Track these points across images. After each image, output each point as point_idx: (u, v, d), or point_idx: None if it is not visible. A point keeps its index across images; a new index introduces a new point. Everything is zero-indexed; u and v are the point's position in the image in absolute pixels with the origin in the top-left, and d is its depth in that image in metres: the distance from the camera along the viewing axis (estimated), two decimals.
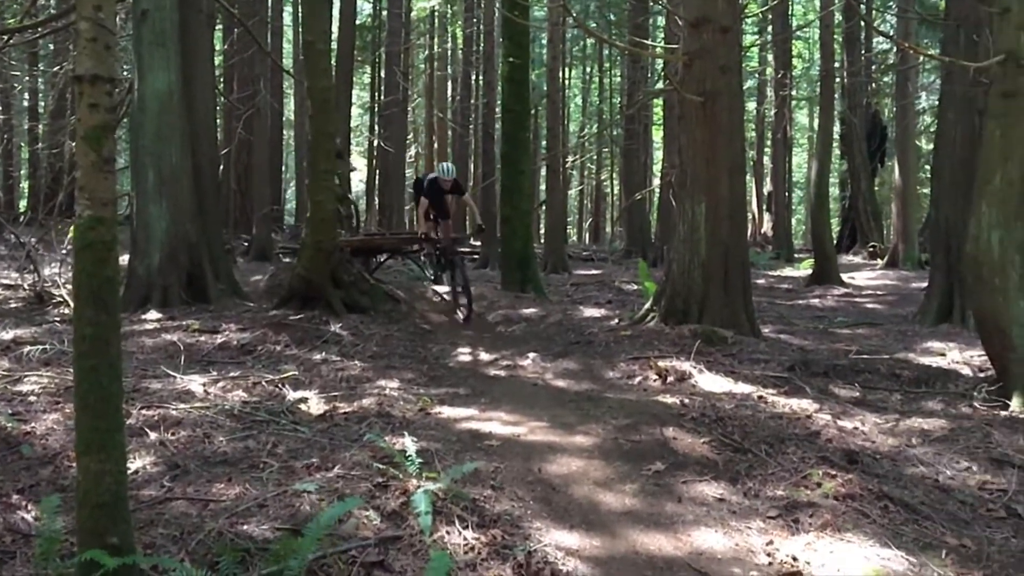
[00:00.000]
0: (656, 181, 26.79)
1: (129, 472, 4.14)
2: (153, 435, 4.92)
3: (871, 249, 22.86)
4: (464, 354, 8.59)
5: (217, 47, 20.25)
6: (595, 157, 36.79)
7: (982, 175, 6.73)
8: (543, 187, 24.98)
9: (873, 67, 25.46)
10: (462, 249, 13.98)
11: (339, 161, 14.74)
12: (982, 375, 7.16)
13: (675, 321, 8.67)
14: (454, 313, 10.45)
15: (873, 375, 7.29)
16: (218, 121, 17.28)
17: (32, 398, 5.70)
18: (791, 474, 4.78)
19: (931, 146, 17.35)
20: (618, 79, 32.45)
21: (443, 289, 11.17)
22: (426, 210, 10.52)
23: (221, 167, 18.65)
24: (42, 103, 24.61)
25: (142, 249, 9.95)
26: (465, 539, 3.76)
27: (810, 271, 17.36)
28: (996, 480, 4.88)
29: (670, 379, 7.00)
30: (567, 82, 31.91)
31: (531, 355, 8.31)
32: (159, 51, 9.98)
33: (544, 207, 23.34)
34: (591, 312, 10.77)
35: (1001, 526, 4.31)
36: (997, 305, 6.51)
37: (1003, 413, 6.09)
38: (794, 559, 3.79)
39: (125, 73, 13.36)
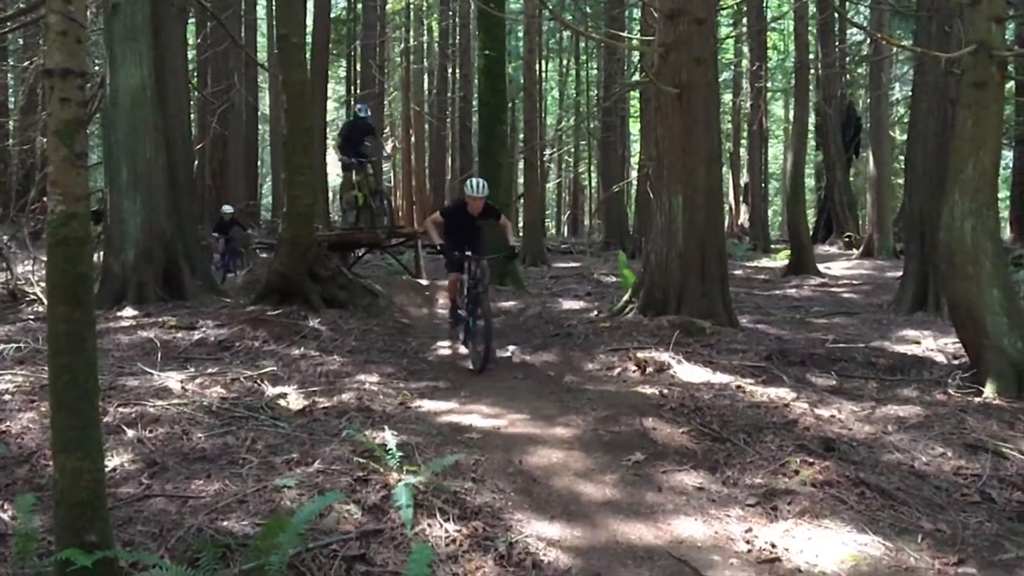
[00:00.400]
0: (634, 173, 26.85)
1: (107, 470, 4.11)
2: (131, 432, 4.88)
3: (847, 239, 23.05)
4: (443, 348, 8.58)
5: (190, 41, 20.03)
6: (573, 150, 36.81)
7: (955, 164, 6.80)
8: (521, 180, 24.97)
9: (847, 58, 25.64)
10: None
11: (374, 141, 13.47)
12: (956, 362, 7.25)
13: (654, 312, 8.72)
14: (468, 360, 7.84)
15: (849, 363, 7.36)
16: (192, 116, 17.11)
17: (7, 397, 5.63)
18: (769, 462, 4.82)
19: (905, 136, 17.52)
20: (595, 72, 32.48)
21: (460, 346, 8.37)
22: (438, 226, 8.20)
23: (196, 162, 18.49)
24: (12, 98, 24.25)
25: (116, 245, 9.85)
26: (447, 531, 3.76)
27: (787, 261, 17.48)
28: (970, 465, 4.95)
29: (649, 370, 7.04)
30: (544, 75, 31.90)
31: (511, 348, 8.31)
32: (131, 45, 9.87)
33: (522, 200, 23.33)
34: (570, 304, 10.80)
35: (976, 510, 4.37)
36: (970, 293, 6.59)
37: (977, 399, 6.17)
38: (773, 546, 3.82)
39: (96, 68, 13.19)
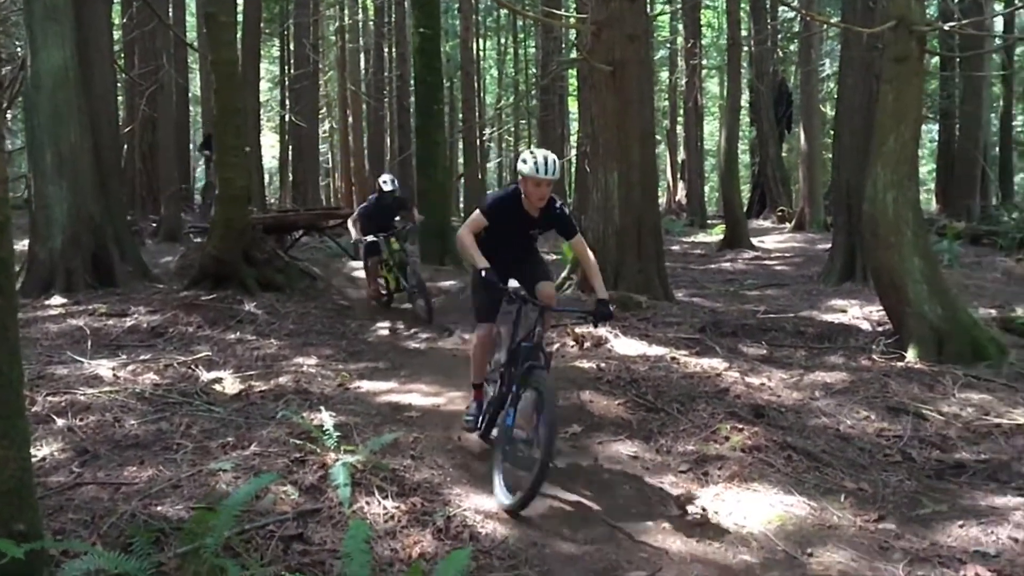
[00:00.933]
0: (573, 152, 26.97)
1: (36, 459, 4.04)
2: (60, 421, 4.78)
3: (780, 213, 23.51)
4: (383, 329, 8.57)
5: (116, 20, 19.41)
6: (513, 129, 36.78)
7: (878, 138, 7.02)
8: (463, 160, 24.86)
9: (779, 35, 26.05)
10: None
11: (407, 214, 9.87)
12: (880, 329, 7.51)
13: (592, 288, 8.80)
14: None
15: (779, 333, 7.58)
16: (120, 98, 16.63)
17: None
18: (701, 430, 4.96)
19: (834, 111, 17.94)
20: (532, 50, 32.43)
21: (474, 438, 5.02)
22: (479, 231, 4.66)
23: (125, 146, 17.99)
24: None
25: (42, 232, 9.54)
26: (385, 508, 3.80)
27: (722, 236, 17.79)
28: (892, 427, 5.16)
29: (587, 345, 7.14)
30: (482, 53, 31.75)
31: (450, 327, 8.34)
32: (52, 26, 9.52)
33: (463, 180, 23.25)
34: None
35: (896, 469, 4.57)
36: (893, 262, 6.83)
37: (899, 364, 6.42)
38: (703, 509, 3.95)
39: (18, 50, 12.73)
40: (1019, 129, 30.06)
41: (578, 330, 7.37)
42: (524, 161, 4.51)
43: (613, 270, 8.85)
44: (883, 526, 3.83)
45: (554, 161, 4.47)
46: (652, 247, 9.05)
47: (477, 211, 4.73)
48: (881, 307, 7.50)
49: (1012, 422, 5.09)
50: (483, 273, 4.38)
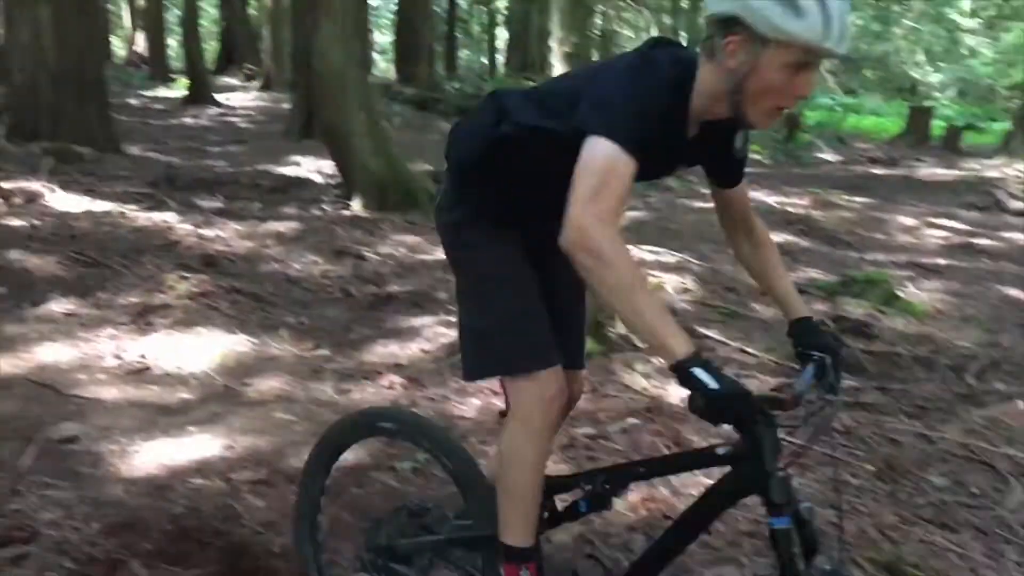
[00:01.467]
0: None
1: None
2: None
3: (247, 72, 23.06)
4: None
5: None
6: None
7: None
8: None
9: None
10: None
11: None
12: (332, 182, 7.99)
13: (23, 138, 7.79)
14: None
15: (237, 187, 7.62)
16: None
17: None
18: (146, 282, 4.81)
19: None
20: None
21: None
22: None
23: None
24: None
25: None
26: None
27: (186, 92, 16.91)
28: (336, 268, 5.61)
29: (17, 201, 6.36)
30: None
31: None
32: None
33: None
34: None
35: (336, 304, 5.00)
36: (339, 117, 7.22)
37: (346, 213, 6.95)
38: (143, 357, 3.88)
39: None
40: (465, 11, 33.52)
41: (6, 186, 6.50)
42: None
43: (50, 118, 7.91)
44: (318, 352, 4.19)
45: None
46: (95, 94, 8.24)
47: (607, 142, 1.50)
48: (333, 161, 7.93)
49: (433, 258, 5.87)
50: (715, 385, 1.38)
